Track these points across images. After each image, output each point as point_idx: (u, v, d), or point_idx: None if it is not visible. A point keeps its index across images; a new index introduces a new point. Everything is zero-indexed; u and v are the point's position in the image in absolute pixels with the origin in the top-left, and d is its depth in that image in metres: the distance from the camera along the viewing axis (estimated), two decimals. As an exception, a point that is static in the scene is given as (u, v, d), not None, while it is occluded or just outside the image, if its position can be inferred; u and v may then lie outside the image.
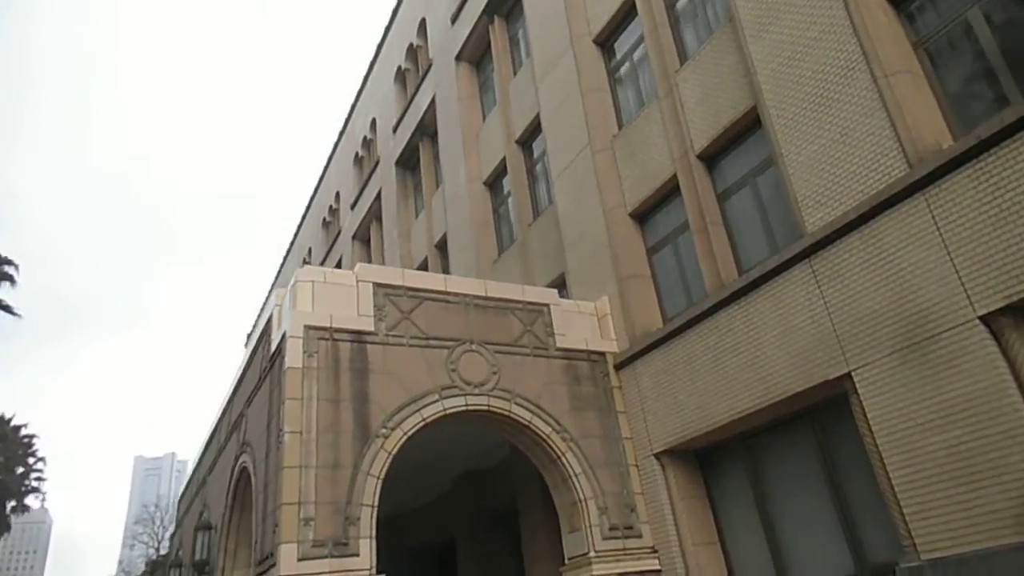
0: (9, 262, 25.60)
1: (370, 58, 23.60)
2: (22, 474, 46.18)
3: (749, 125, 8.42)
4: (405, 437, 7.84)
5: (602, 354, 9.79)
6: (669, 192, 9.72)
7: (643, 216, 10.31)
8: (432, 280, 9.14)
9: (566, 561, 8.68)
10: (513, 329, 9.24)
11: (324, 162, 28.08)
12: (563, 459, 8.72)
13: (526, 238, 13.34)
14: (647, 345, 9.19)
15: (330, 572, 6.76)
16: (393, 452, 7.69)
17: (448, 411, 8.24)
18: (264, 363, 8.79)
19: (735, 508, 8.36)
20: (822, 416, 7.41)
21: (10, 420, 44.17)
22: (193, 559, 10.79)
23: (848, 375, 6.59)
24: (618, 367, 9.74)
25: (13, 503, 46.12)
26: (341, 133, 26.42)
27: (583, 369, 9.55)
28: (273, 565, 6.88)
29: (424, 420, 8.04)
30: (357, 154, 24.52)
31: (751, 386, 7.58)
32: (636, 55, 10.98)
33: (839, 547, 7.08)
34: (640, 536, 8.65)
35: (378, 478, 7.47)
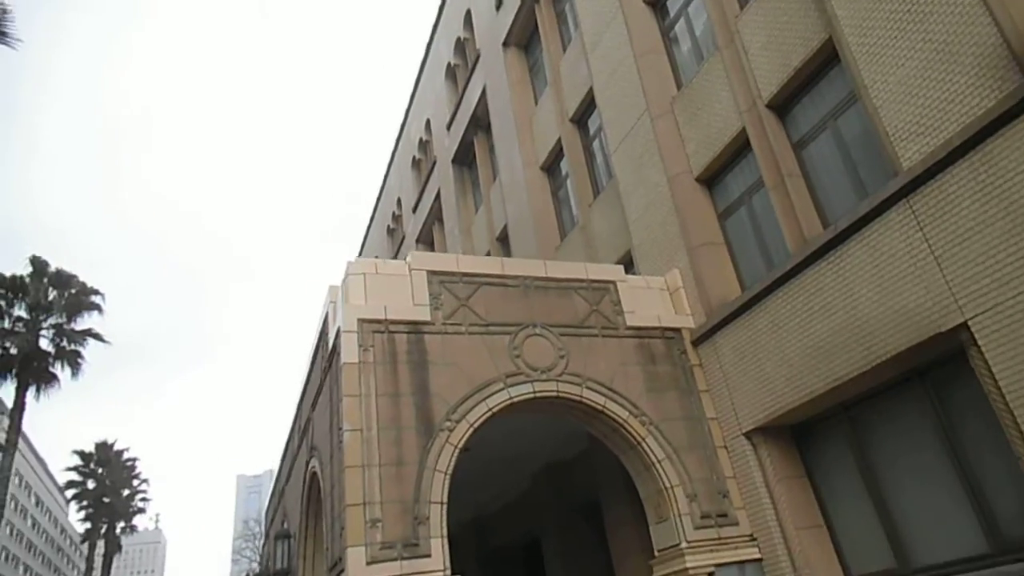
0: (96, 291, 26.82)
1: (420, 60, 23.57)
2: (128, 496, 48.64)
3: (824, 61, 7.60)
4: (472, 429, 7.41)
5: (677, 330, 9.11)
6: (738, 149, 8.96)
7: (711, 180, 9.57)
8: (488, 264, 8.69)
9: (656, 554, 8.05)
10: (578, 309, 8.69)
11: (384, 170, 28.25)
12: (643, 444, 8.10)
13: (587, 219, 12.76)
14: (726, 316, 8.46)
15: (401, 575, 6.38)
16: (459, 445, 7.27)
17: (515, 399, 7.76)
18: (323, 363, 8.54)
19: (840, 486, 7.54)
20: (936, 376, 6.53)
21: (112, 444, 46.59)
22: (274, 568, 10.70)
23: (964, 325, 5.73)
24: (696, 343, 9.04)
25: (122, 524, 48.61)
26: (398, 139, 26.50)
27: (658, 348, 8.90)
28: (343, 571, 6.56)
29: (490, 410, 7.58)
30: (414, 157, 24.50)
31: (849, 349, 6.78)
32: (691, 7, 10.24)
33: (967, 523, 6.20)
34: (736, 523, 7.93)
35: (446, 473, 7.06)
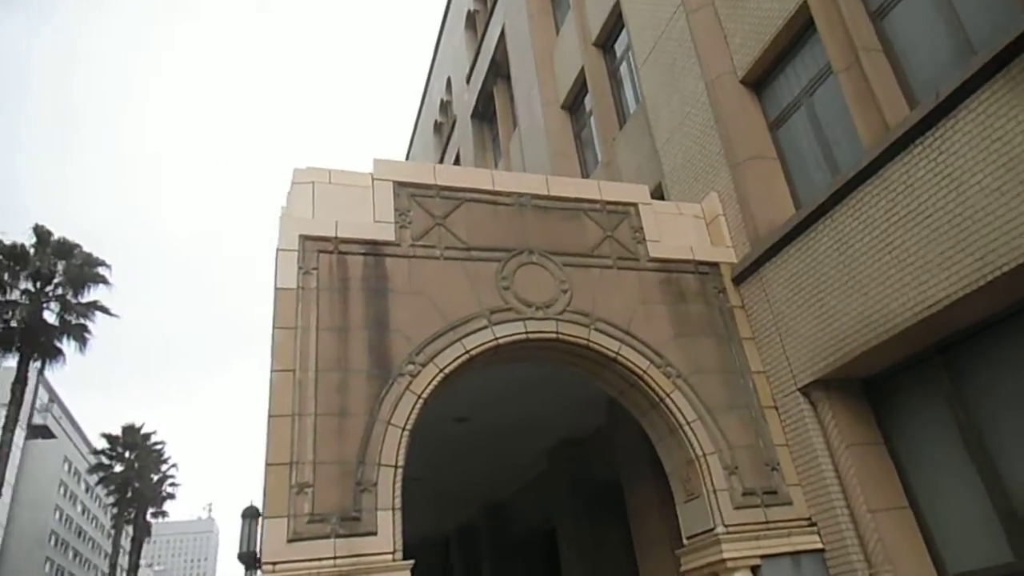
0: (102, 263, 26.03)
1: (440, 20, 22.24)
2: (157, 481, 48.60)
3: None
4: (442, 376, 5.83)
5: (714, 265, 7.38)
6: (797, 34, 7.16)
7: (760, 80, 7.78)
8: (475, 177, 7.09)
9: (684, 541, 6.38)
10: (588, 235, 7.03)
11: (407, 147, 27.03)
12: (668, 401, 6.42)
13: (611, 155, 11.07)
14: (778, 241, 6.70)
15: (335, 559, 4.86)
16: (425, 396, 5.70)
17: (501, 341, 6.15)
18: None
19: (932, 455, 5.74)
20: (1080, 296, 4.70)
21: (140, 428, 46.52)
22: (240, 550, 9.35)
23: None
24: (738, 280, 7.30)
25: (152, 509, 48.63)
26: (419, 112, 25.40)
27: (689, 285, 7.18)
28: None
29: (468, 353, 5.99)
30: (436, 122, 23.24)
31: (952, 263, 4.98)
32: None
33: None
34: (788, 503, 6.21)
35: (403, 429, 5.50)
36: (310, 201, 6.24)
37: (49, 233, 24.53)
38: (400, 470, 5.34)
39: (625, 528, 9.07)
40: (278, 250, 5.92)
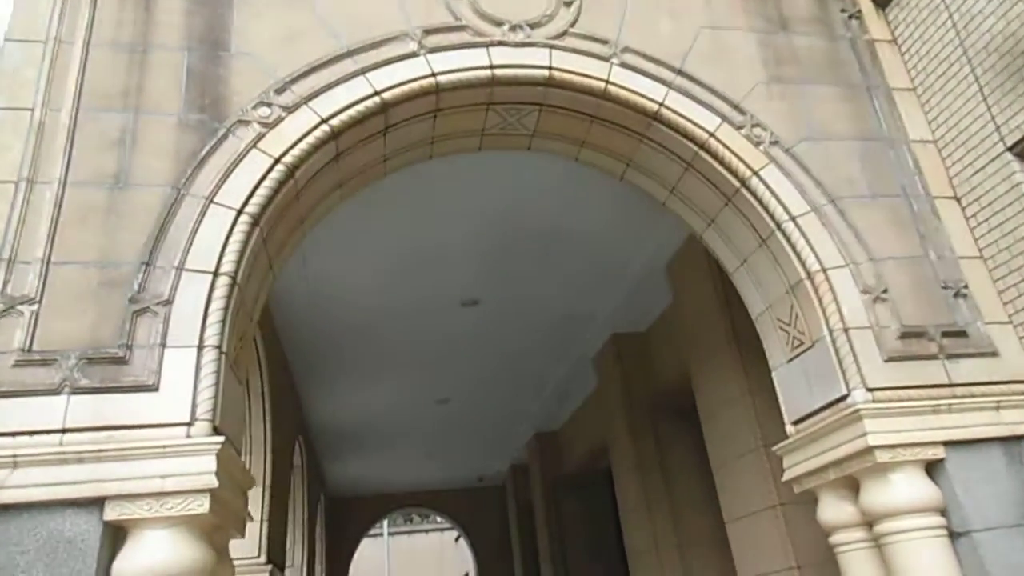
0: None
1: None
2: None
3: None
4: (325, 131, 3.32)
5: (839, -26, 4.44)
6: None
7: None
8: None
9: (789, 430, 3.68)
10: (610, -79, 4.23)
11: None
12: (755, 184, 3.68)
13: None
14: None
15: (63, 432, 2.52)
16: (288, 162, 3.21)
17: (442, 78, 3.54)
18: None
19: None
20: None
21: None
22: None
23: None
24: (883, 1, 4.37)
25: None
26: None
27: (795, 2, 4.32)
28: None
29: (378, 95, 3.43)
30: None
31: None
32: None
33: None
34: (991, 352, 3.41)
35: (239, 212, 3.05)
36: None
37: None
38: (227, 282, 2.90)
39: (697, 441, 6.46)
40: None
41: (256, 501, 6.56)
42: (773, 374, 3.81)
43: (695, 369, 6.29)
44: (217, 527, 2.74)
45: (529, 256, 6.52)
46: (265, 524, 6.53)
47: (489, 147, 4.10)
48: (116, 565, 2.46)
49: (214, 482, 2.54)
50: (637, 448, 7.44)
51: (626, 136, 3.93)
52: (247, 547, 6.39)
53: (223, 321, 2.82)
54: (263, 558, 6.43)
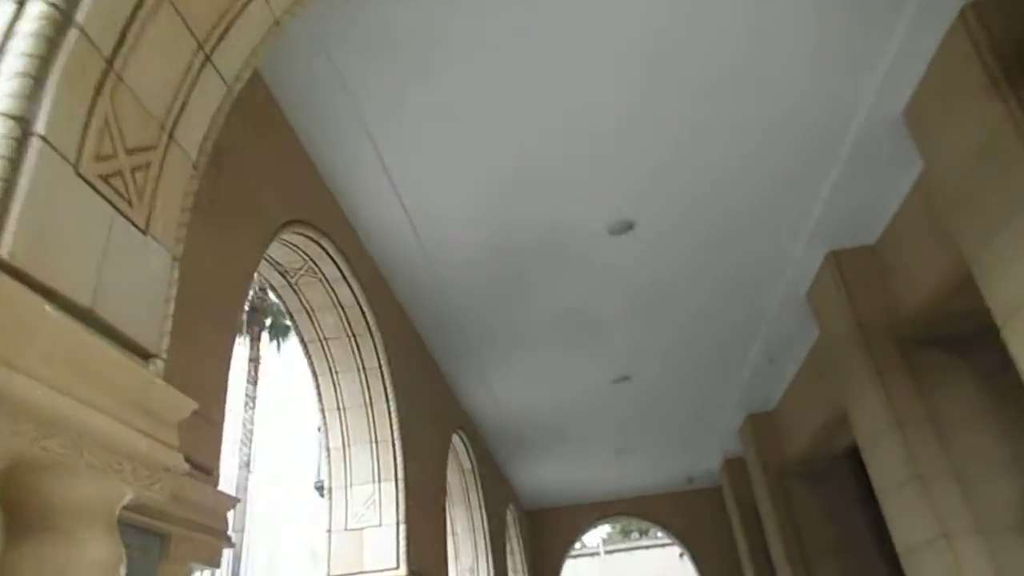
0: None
1: None
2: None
3: None
4: None
5: None
6: None
7: None
8: None
9: None
10: None
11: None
12: None
13: None
14: None
15: None
16: None
17: None
18: None
19: None
20: None
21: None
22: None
23: None
24: None
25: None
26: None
27: None
28: None
29: None
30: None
31: None
32: None
33: None
34: None
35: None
36: None
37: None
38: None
39: (977, 374, 4.28)
40: None
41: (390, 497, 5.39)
42: None
43: (978, 255, 4.14)
44: None
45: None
46: (402, 527, 5.32)
47: None
48: None
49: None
50: (891, 396, 5.30)
51: None
52: (381, 555, 5.23)
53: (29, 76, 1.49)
54: (403, 569, 5.21)
